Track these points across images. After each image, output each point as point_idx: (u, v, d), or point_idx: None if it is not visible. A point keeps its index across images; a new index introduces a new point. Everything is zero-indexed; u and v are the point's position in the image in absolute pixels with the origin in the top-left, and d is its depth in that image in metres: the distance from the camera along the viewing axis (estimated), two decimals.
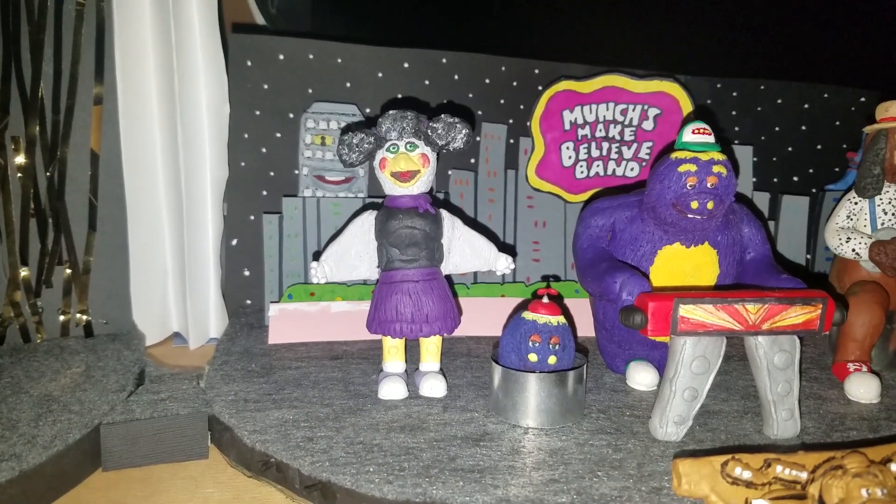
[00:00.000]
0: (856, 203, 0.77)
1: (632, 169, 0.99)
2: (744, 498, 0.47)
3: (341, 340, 0.84)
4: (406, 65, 1.02)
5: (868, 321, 0.71)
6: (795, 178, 1.11)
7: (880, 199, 0.75)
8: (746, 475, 0.47)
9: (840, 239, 0.76)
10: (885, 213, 0.75)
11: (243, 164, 0.99)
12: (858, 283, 0.76)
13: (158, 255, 0.95)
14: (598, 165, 0.98)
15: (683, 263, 0.67)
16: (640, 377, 0.70)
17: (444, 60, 1.03)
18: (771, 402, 0.59)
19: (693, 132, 0.65)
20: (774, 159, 1.11)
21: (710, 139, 0.65)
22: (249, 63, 0.98)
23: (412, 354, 0.74)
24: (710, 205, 0.63)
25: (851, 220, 0.77)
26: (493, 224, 0.99)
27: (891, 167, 0.74)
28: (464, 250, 0.70)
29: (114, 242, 0.90)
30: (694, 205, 0.63)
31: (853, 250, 0.75)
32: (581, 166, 0.98)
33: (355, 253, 0.69)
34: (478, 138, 0.99)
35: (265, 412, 0.63)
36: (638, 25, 1.31)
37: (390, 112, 0.67)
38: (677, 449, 0.57)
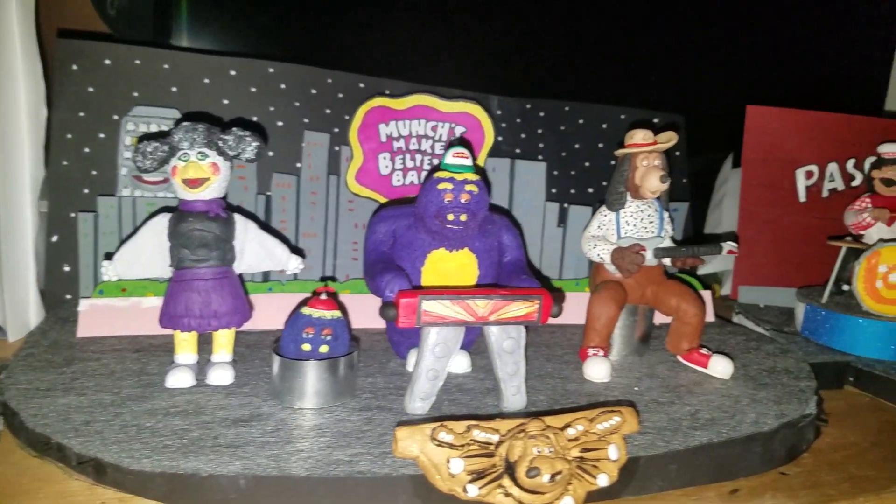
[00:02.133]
0: (605, 215, 0.92)
1: None
2: (446, 457, 0.58)
3: (149, 334, 0.89)
4: (233, 72, 1.07)
5: (604, 314, 0.86)
6: (590, 190, 1.27)
7: (624, 213, 0.90)
8: (449, 438, 0.58)
9: (589, 245, 0.91)
10: (628, 224, 0.90)
11: (65, 163, 1.01)
12: (603, 282, 0.91)
13: None
14: (412, 175, 1.09)
15: (448, 265, 0.79)
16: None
17: (271, 70, 1.09)
18: (502, 380, 0.71)
19: (453, 156, 0.77)
20: (573, 173, 1.27)
21: (467, 162, 0.77)
22: (75, 67, 1.01)
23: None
24: (463, 217, 0.75)
25: (601, 229, 0.92)
26: (314, 225, 1.07)
27: (632, 186, 0.89)
28: (257, 252, 0.78)
29: None
30: (450, 217, 0.75)
31: (598, 255, 0.90)
32: (397, 175, 1.08)
33: (149, 252, 0.75)
34: (303, 144, 1.07)
35: (52, 399, 0.68)
36: (463, 48, 1.44)
37: (184, 123, 0.73)
38: (421, 421, 0.68)
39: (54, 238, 1.00)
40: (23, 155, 0.93)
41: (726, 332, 1.08)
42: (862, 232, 1.13)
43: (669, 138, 0.88)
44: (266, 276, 1.03)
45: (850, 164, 1.35)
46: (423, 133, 1.08)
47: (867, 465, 0.74)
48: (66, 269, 1.01)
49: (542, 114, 1.27)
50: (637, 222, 0.90)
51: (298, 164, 1.08)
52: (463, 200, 0.75)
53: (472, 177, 0.76)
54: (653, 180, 0.86)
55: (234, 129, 0.74)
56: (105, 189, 1.01)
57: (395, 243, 0.81)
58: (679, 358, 0.91)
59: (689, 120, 1.40)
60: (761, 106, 1.35)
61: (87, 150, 1.01)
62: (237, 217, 0.76)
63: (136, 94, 1.03)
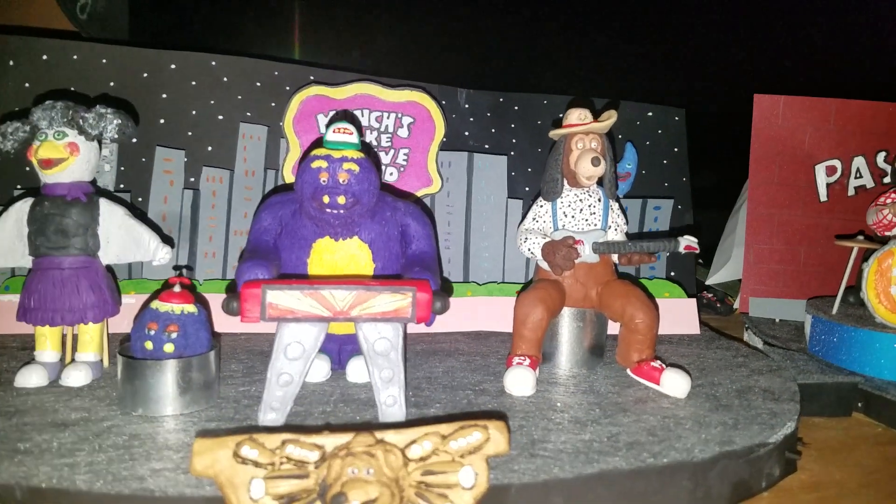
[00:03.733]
0: (541, 206, 0.80)
1: (391, 174, 1.01)
2: (249, 477, 0.47)
3: (10, 334, 0.83)
4: (173, 66, 1.03)
5: (529, 316, 0.74)
6: (540, 185, 1.14)
7: (561, 202, 0.78)
8: (254, 454, 0.48)
9: (521, 239, 0.79)
10: (566, 216, 0.78)
11: None
12: (537, 281, 0.78)
13: None
14: None
15: (334, 255, 0.69)
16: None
17: (213, 63, 1.04)
18: (376, 387, 0.61)
19: (334, 131, 0.67)
20: None
21: (351, 138, 0.68)
22: (11, 63, 0.99)
23: None
24: (340, 199, 0.65)
25: (537, 221, 0.80)
26: (247, 221, 1.00)
27: (568, 171, 0.77)
28: (124, 240, 0.71)
29: None
30: (325, 199, 0.65)
31: (529, 250, 0.78)
32: None
33: (8, 239, 0.69)
34: (242, 137, 1.01)
35: None
36: (431, 40, 1.35)
37: (43, 102, 0.67)
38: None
39: None
40: None
41: (713, 347, 0.92)
42: (887, 233, 0.95)
43: (608, 116, 0.76)
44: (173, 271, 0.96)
45: (881, 157, 1.16)
46: (367, 124, 1.00)
47: None
48: None
49: (515, 107, 1.16)
50: (576, 213, 0.77)
51: (235, 159, 1.01)
52: (341, 180, 0.65)
53: (354, 154, 0.67)
54: (585, 164, 0.74)
55: (97, 106, 0.68)
56: (33, 184, 0.97)
57: (281, 232, 0.72)
58: (628, 371, 0.76)
59: (696, 115, 1.25)
60: (771, 95, 1.18)
61: None
62: (102, 202, 0.70)
63: (72, 89, 1.00)
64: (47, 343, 0.69)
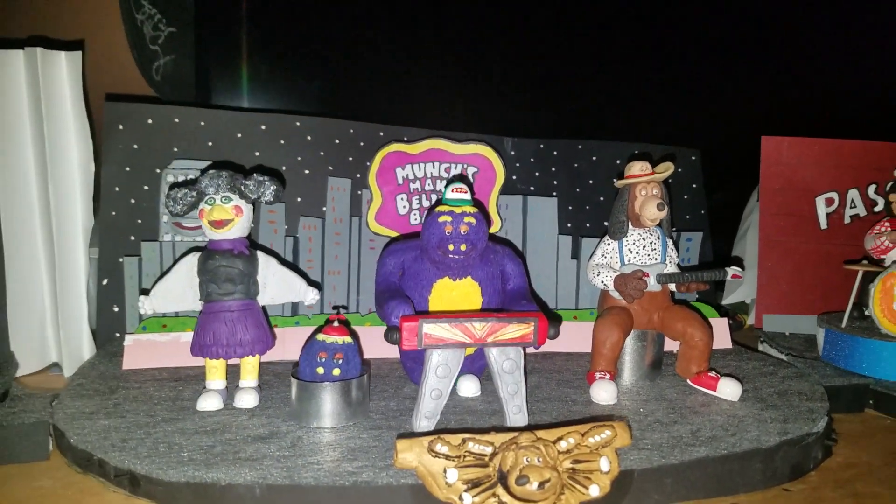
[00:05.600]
0: (608, 244, 0.96)
1: None
2: (442, 467, 0.62)
3: (187, 366, 0.96)
4: (263, 127, 1.18)
5: (607, 338, 0.89)
6: (605, 223, 1.30)
7: (626, 241, 0.94)
8: (445, 450, 0.62)
9: (593, 273, 0.95)
10: (631, 252, 0.94)
11: (114, 213, 1.12)
12: (608, 308, 0.94)
13: (36, 294, 1.05)
14: None
15: (452, 293, 0.84)
16: None
17: (297, 123, 1.19)
18: (504, 399, 0.75)
19: (452, 190, 0.83)
20: (587, 208, 1.31)
21: (466, 196, 0.83)
22: (121, 126, 1.13)
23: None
24: (463, 247, 0.80)
25: (605, 257, 0.96)
26: (338, 263, 1.14)
27: (633, 215, 0.93)
28: (278, 285, 0.85)
29: None
30: (451, 247, 0.80)
31: (602, 282, 0.93)
32: (414, 214, 1.15)
33: (181, 288, 0.83)
34: (330, 189, 1.16)
35: (95, 421, 0.75)
36: (478, 94, 1.52)
37: (209, 171, 0.82)
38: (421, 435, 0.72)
39: (105, 281, 1.10)
40: (75, 207, 1.04)
41: (744, 359, 1.08)
42: (883, 256, 1.13)
43: (666, 168, 0.92)
44: (294, 311, 1.10)
45: (872, 189, 1.35)
46: (438, 174, 1.15)
47: (876, 482, 0.74)
48: (115, 309, 1.10)
49: (555, 153, 1.33)
50: (640, 250, 0.93)
51: (324, 208, 1.16)
52: (462, 231, 0.80)
53: (471, 209, 0.82)
54: (651, 209, 0.90)
55: (255, 174, 0.82)
56: (148, 235, 1.11)
57: (403, 275, 0.87)
58: (688, 381, 0.92)
59: (709, 153, 1.44)
60: (776, 137, 1.37)
61: (132, 200, 1.12)
62: (259, 254, 0.84)
63: (175, 149, 1.14)
64: (217, 373, 0.82)
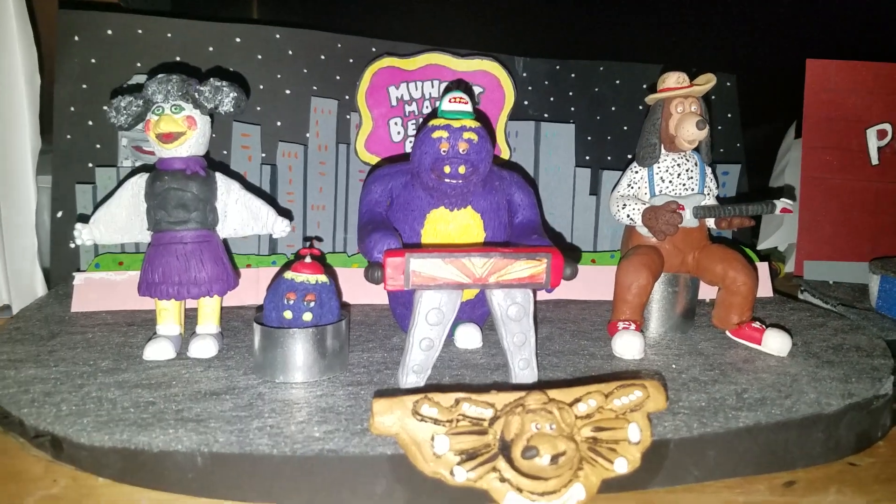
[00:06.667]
0: (636, 172, 0.81)
1: None
2: (430, 434, 0.49)
3: (147, 309, 0.84)
4: (238, 39, 1.02)
5: (633, 282, 0.75)
6: (629, 156, 1.15)
7: (658, 168, 0.80)
8: (433, 412, 0.49)
9: (618, 206, 0.80)
10: (663, 181, 0.79)
11: (69, 136, 0.98)
12: (634, 247, 0.80)
13: None
14: None
15: (449, 225, 0.70)
16: None
17: (277, 36, 1.03)
18: (509, 351, 0.62)
19: (450, 101, 0.68)
20: (609, 138, 1.16)
21: (466, 108, 0.68)
22: (77, 38, 0.98)
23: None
24: (461, 169, 0.66)
25: (632, 188, 0.81)
26: (323, 196, 1.00)
27: (666, 136, 0.78)
28: (241, 213, 0.71)
29: None
30: (447, 169, 0.66)
31: (628, 216, 0.79)
32: (410, 141, 1.00)
33: (126, 215, 0.70)
34: (313, 111, 1.01)
35: (21, 371, 0.64)
36: (485, 6, 1.35)
37: (157, 75, 0.67)
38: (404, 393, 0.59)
39: (59, 214, 0.97)
40: (24, 124, 0.91)
41: (787, 309, 0.95)
42: None
43: (707, 80, 0.77)
44: (273, 248, 0.97)
45: None
46: (438, 95, 1.00)
47: None
48: (72, 245, 0.98)
49: (573, 75, 1.17)
50: (674, 178, 0.79)
51: (307, 134, 1.01)
52: (461, 150, 0.66)
53: (472, 123, 0.67)
54: (689, 127, 0.75)
55: (211, 79, 0.68)
56: (109, 162, 0.97)
57: (392, 204, 0.73)
58: (728, 333, 0.79)
59: (744, 81, 1.27)
60: (823, 60, 1.19)
61: (90, 122, 0.98)
62: (219, 176, 0.70)
63: (138, 65, 0.99)
64: (170, 317, 0.69)
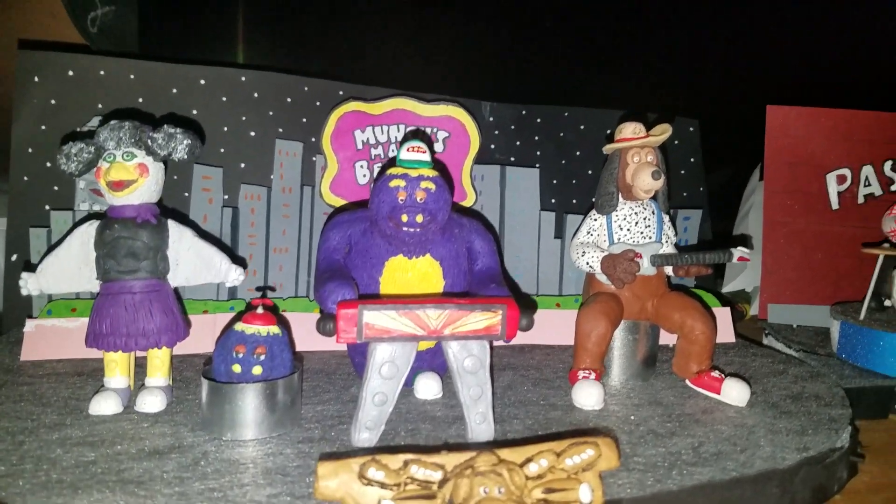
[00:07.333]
0: (595, 220, 0.82)
1: None
2: (377, 498, 0.48)
3: (98, 357, 0.81)
4: (202, 81, 1.02)
5: (593, 330, 0.75)
6: (594, 199, 1.16)
7: (616, 216, 0.80)
8: (380, 476, 0.48)
9: (578, 253, 0.80)
10: (621, 229, 0.80)
11: (26, 178, 0.96)
12: (594, 294, 0.80)
13: None
14: None
15: (408, 274, 0.69)
16: None
17: (242, 78, 1.03)
18: (465, 405, 0.61)
19: (408, 150, 0.68)
20: (574, 182, 1.17)
21: (424, 157, 0.68)
22: (37, 79, 0.97)
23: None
24: (418, 218, 0.66)
25: (591, 235, 0.81)
26: (287, 239, 0.99)
27: (624, 185, 0.79)
28: (193, 262, 0.70)
29: None
30: (404, 218, 0.66)
31: (587, 263, 0.79)
32: None
33: (75, 264, 0.68)
34: (278, 153, 1.01)
35: None
36: (452, 54, 1.37)
37: (110, 122, 0.66)
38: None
39: (13, 257, 0.95)
40: None
41: (749, 355, 0.95)
42: None
43: (663, 130, 0.78)
44: (232, 294, 0.95)
45: (888, 165, 1.22)
46: (403, 139, 1.00)
47: None
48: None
49: (538, 120, 1.18)
50: (632, 226, 0.79)
51: (271, 176, 1.01)
52: (418, 199, 0.66)
53: (430, 173, 0.67)
54: (645, 178, 0.75)
55: (165, 125, 0.67)
56: (66, 205, 0.95)
57: (350, 251, 0.72)
58: (687, 382, 0.78)
59: (708, 126, 1.29)
60: (783, 106, 1.23)
61: (48, 164, 0.96)
62: (171, 223, 0.69)
63: (100, 106, 0.98)
64: (117, 369, 0.67)
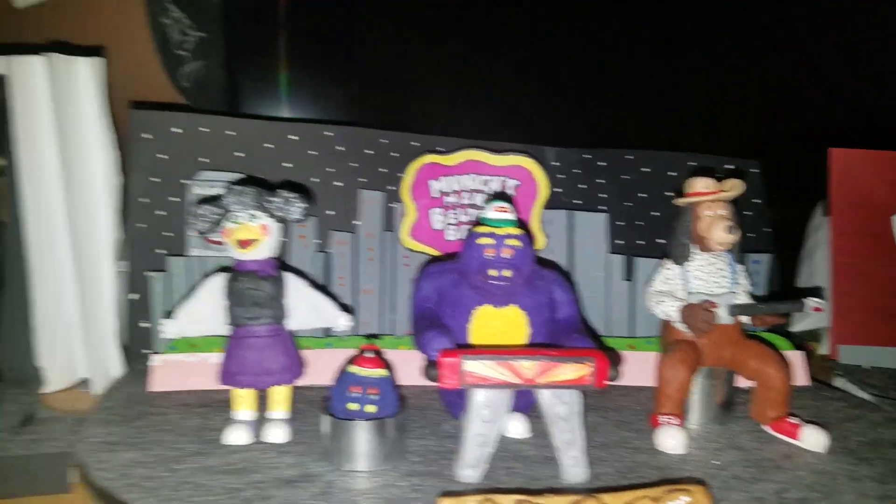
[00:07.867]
0: (670, 269, 0.86)
1: None
2: None
3: (217, 389, 0.89)
4: (293, 137, 1.11)
5: (675, 377, 0.79)
6: (660, 241, 1.20)
7: (690, 266, 0.84)
8: None
9: (654, 301, 0.85)
10: (696, 279, 0.84)
11: (141, 225, 1.07)
12: (673, 342, 0.84)
13: (63, 308, 1.01)
14: (466, 229, 1.07)
15: (494, 322, 0.76)
16: None
17: (328, 133, 1.13)
18: (558, 448, 0.66)
19: (493, 210, 0.75)
20: (640, 223, 1.21)
21: (509, 216, 0.75)
22: (147, 135, 1.07)
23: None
24: (506, 272, 0.72)
25: (667, 283, 0.86)
26: (371, 281, 1.07)
27: (697, 237, 0.84)
28: (307, 310, 0.78)
29: (20, 299, 0.99)
30: (492, 272, 0.73)
31: (665, 312, 0.84)
32: (450, 229, 1.07)
33: (207, 311, 0.77)
34: (361, 202, 1.09)
35: (118, 453, 0.70)
36: (517, 103, 1.45)
37: (235, 188, 0.75)
38: (472, 489, 0.63)
39: (133, 296, 1.05)
40: (100, 218, 1.00)
41: (823, 398, 0.97)
42: None
43: (733, 186, 0.82)
44: (326, 331, 1.03)
45: None
46: (475, 187, 1.07)
47: None
48: (144, 325, 1.05)
49: (602, 163, 1.24)
50: (706, 276, 0.83)
51: (355, 222, 1.09)
52: (505, 255, 0.72)
53: (515, 231, 0.74)
54: (719, 232, 0.80)
55: (282, 191, 0.76)
56: (177, 248, 1.05)
57: (440, 300, 0.79)
58: (765, 427, 0.81)
59: (768, 166, 1.32)
60: (846, 149, 1.25)
61: (160, 212, 1.07)
62: (288, 276, 0.77)
63: (203, 160, 1.08)
64: (244, 403, 0.75)
